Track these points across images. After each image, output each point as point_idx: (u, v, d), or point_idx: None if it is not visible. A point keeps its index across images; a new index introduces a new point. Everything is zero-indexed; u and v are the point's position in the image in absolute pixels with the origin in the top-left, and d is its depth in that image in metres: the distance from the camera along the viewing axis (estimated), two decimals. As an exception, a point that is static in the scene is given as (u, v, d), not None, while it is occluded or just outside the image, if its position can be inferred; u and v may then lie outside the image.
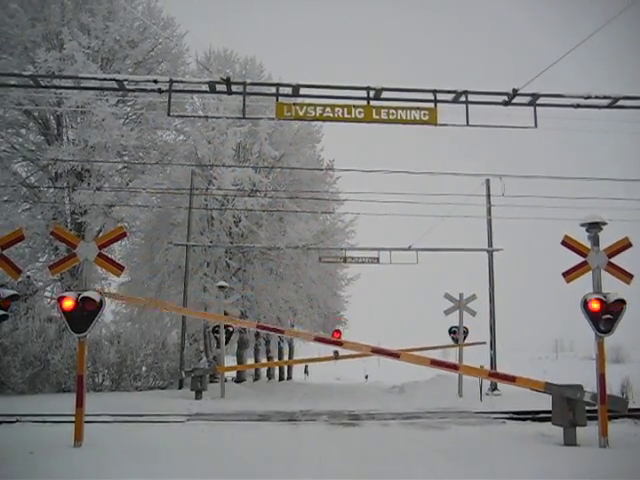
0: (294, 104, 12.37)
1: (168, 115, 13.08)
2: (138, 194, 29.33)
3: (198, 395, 22.69)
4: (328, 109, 12.02)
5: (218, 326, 25.56)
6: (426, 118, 12.18)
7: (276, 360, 49.20)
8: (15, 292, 12.98)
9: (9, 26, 28.18)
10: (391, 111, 12.12)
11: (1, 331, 23.43)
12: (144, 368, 26.83)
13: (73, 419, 11.52)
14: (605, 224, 12.39)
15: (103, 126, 27.90)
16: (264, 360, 47.16)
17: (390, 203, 22.97)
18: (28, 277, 29.74)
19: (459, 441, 12.70)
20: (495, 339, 27.47)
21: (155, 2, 32.18)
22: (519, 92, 12.21)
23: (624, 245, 12.48)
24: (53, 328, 25.37)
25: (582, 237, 12.55)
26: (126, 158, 31.75)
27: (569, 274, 12.45)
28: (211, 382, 26.61)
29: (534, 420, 16.10)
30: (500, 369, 27.00)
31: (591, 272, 12.34)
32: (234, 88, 12.43)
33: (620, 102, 12.45)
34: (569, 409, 12.06)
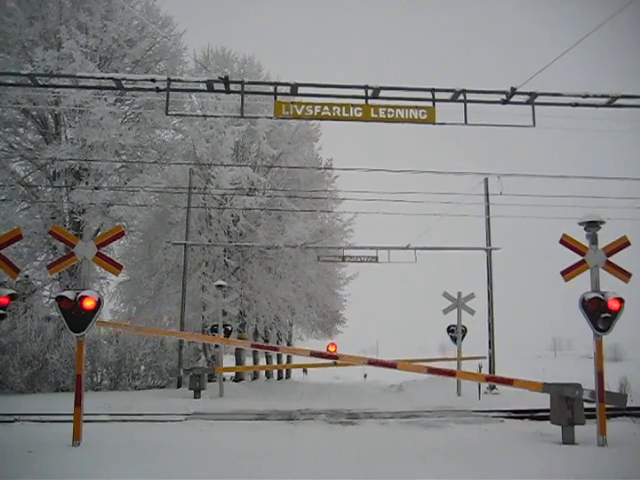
0: (292, 103, 12.38)
1: (166, 114, 13.07)
2: (136, 193, 29.31)
3: (197, 394, 22.68)
4: (326, 108, 12.03)
5: (217, 325, 25.56)
6: (424, 117, 12.19)
7: (275, 359, 49.24)
8: (13, 291, 12.97)
9: (7, 25, 28.14)
10: (389, 110, 12.13)
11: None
12: (143, 367, 26.78)
13: (71, 418, 11.51)
14: (603, 223, 12.41)
15: (101, 125, 27.86)
16: (263, 359, 47.21)
17: (388, 202, 22.97)
18: (26, 276, 29.69)
19: (457, 440, 12.71)
20: (493, 337, 27.49)
21: (153, 1, 32.17)
22: (517, 91, 12.23)
23: (622, 244, 12.49)
24: (51, 327, 25.33)
25: (580, 236, 12.57)
26: (124, 157, 31.72)
27: (567, 273, 12.47)
28: (210, 381, 26.61)
29: (532, 419, 16.11)
30: (498, 367, 27.11)
31: (589, 271, 12.36)
32: (232, 87, 12.43)
33: (618, 101, 12.48)
34: (567, 408, 12.09)
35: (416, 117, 12.16)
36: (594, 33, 11.14)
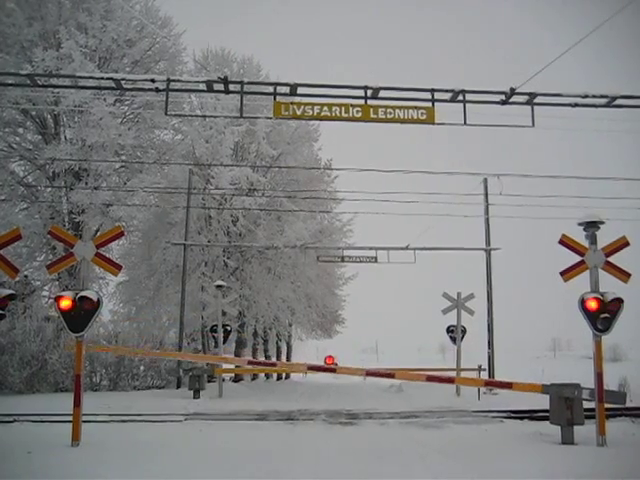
0: (292, 103, 12.38)
1: (165, 114, 13.08)
2: (136, 193, 29.28)
3: (196, 394, 22.67)
4: (326, 108, 12.03)
5: (216, 325, 25.56)
6: (424, 117, 12.19)
7: (273, 359, 49.24)
8: (12, 291, 12.96)
9: (6, 25, 28.13)
10: (389, 110, 12.13)
11: (-1, 331, 23.42)
12: (142, 368, 26.78)
13: (71, 419, 11.50)
14: (603, 223, 12.41)
15: (100, 125, 27.85)
16: (262, 359, 47.14)
17: (388, 202, 22.99)
18: (26, 276, 29.69)
19: (457, 440, 12.72)
20: (493, 338, 27.52)
21: (152, 1, 32.10)
22: (517, 91, 12.23)
23: (622, 244, 12.50)
24: (51, 327, 25.33)
25: (580, 236, 12.58)
26: (124, 157, 31.70)
27: (567, 273, 12.47)
28: (209, 381, 26.61)
29: (532, 419, 16.11)
30: (498, 368, 27.15)
31: (589, 271, 12.36)
32: (232, 87, 12.43)
33: (618, 101, 12.48)
34: (567, 408, 12.08)
35: (415, 117, 12.16)
36: (594, 33, 11.15)
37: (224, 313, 26.35)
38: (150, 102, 27.85)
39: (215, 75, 12.57)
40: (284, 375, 51.02)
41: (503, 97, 12.35)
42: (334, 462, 10.14)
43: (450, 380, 16.62)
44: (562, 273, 12.50)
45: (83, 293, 11.63)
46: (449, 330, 27.04)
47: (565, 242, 12.49)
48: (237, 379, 33.79)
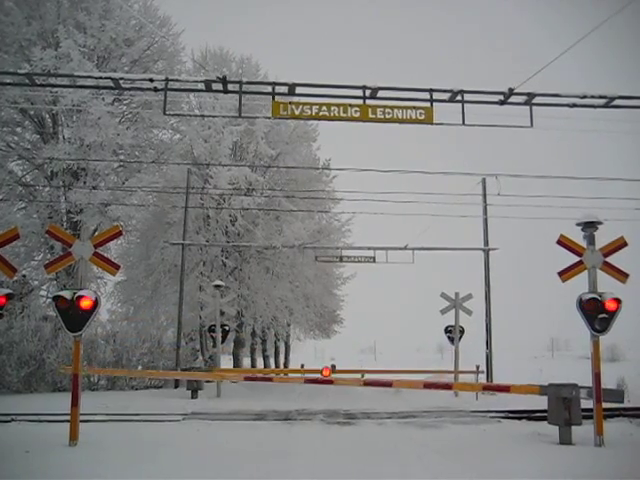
0: (290, 103, 12.38)
1: (164, 114, 13.07)
2: (134, 193, 29.27)
3: (194, 394, 22.67)
4: (324, 108, 12.02)
5: (214, 325, 25.56)
6: (422, 117, 12.19)
7: (273, 361, 49.31)
8: (10, 291, 12.94)
9: (4, 24, 28.09)
10: (387, 110, 12.13)
11: (-4, 330, 23.41)
12: (140, 367, 26.77)
13: (68, 418, 11.50)
14: (600, 223, 12.43)
15: (99, 125, 27.83)
16: (260, 359, 47.19)
17: (386, 202, 22.98)
18: (24, 276, 29.66)
19: (455, 440, 12.72)
20: (491, 338, 27.51)
21: (151, 1, 32.10)
22: (515, 91, 12.23)
23: (619, 244, 12.50)
24: (49, 327, 25.33)
25: (578, 237, 12.58)
26: (122, 157, 31.69)
27: (565, 273, 12.48)
28: (207, 381, 26.57)
29: (530, 419, 16.11)
30: (496, 368, 27.14)
31: (587, 271, 12.37)
32: (230, 87, 12.42)
33: (616, 102, 12.48)
34: (565, 408, 12.09)
35: (414, 117, 12.16)
36: (593, 33, 11.16)
37: (222, 313, 26.33)
38: (148, 102, 27.82)
39: (214, 75, 12.57)
40: (282, 375, 51.02)
41: (502, 97, 12.35)
42: (332, 462, 10.14)
43: (448, 387, 16.64)
44: (560, 273, 12.51)
45: (81, 293, 11.63)
46: (447, 330, 27.05)
47: (563, 242, 12.49)
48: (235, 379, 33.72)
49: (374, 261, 28.40)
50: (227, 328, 26.87)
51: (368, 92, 12.05)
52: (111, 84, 12.72)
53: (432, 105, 12.23)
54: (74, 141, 28.63)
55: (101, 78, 13.10)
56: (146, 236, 33.01)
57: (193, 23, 46.61)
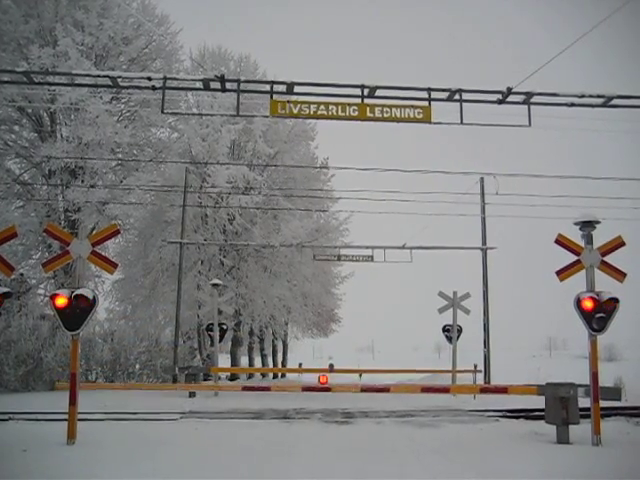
0: (288, 102, 12.36)
1: (162, 112, 13.07)
2: (132, 191, 29.26)
3: (192, 393, 22.66)
4: (322, 107, 12.01)
5: (212, 324, 25.54)
6: (420, 116, 12.18)
7: (270, 360, 49.26)
8: (8, 289, 12.90)
9: (2, 22, 28.04)
10: (385, 109, 12.12)
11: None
12: (137, 366, 26.76)
13: (66, 417, 11.48)
14: (598, 223, 12.42)
15: (97, 123, 27.80)
16: (258, 358, 47.18)
17: (384, 201, 23.00)
18: (21, 274, 29.64)
19: (453, 439, 12.72)
20: (489, 337, 27.51)
21: (149, -1, 32.12)
22: (513, 91, 12.22)
23: (617, 244, 12.50)
24: (46, 326, 25.30)
25: (576, 236, 12.58)
26: (120, 155, 31.66)
27: (562, 273, 12.47)
28: (205, 380, 26.59)
29: (527, 418, 16.12)
30: (494, 367, 27.13)
31: (584, 271, 12.37)
32: (228, 85, 12.41)
33: (614, 101, 12.48)
34: (562, 407, 12.10)
35: (412, 116, 12.15)
36: (591, 33, 11.18)
37: (220, 312, 26.33)
38: (146, 100, 27.80)
39: (212, 73, 12.56)
40: (280, 374, 51.09)
41: (500, 96, 12.35)
42: (330, 461, 10.13)
43: (445, 390, 16.64)
44: (558, 273, 12.50)
45: (79, 291, 11.61)
46: (445, 329, 27.04)
47: (561, 241, 12.49)
48: (233, 378, 33.78)
49: (372, 260, 28.36)
50: (225, 327, 26.85)
51: (366, 91, 12.04)
52: (109, 82, 12.69)
53: (430, 104, 12.22)
54: (72, 139, 28.59)
55: (99, 76, 13.06)
56: (144, 235, 33.00)
57: (191, 22, 46.67)
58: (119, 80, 12.72)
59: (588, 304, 11.94)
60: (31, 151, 29.95)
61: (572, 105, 12.47)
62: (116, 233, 13.52)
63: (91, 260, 12.45)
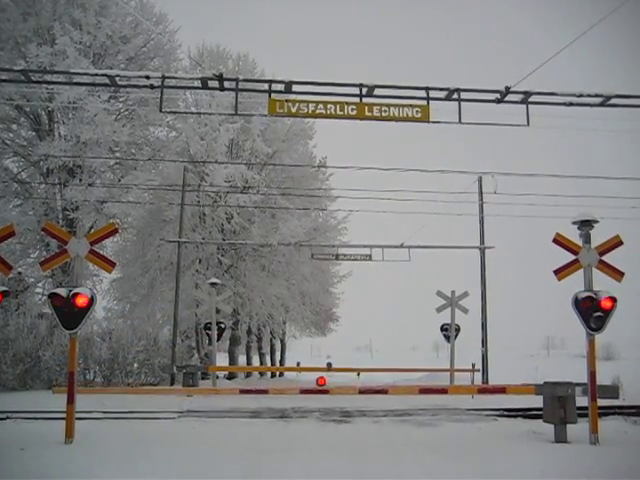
0: (286, 101, 12.33)
1: (160, 111, 13.03)
2: (130, 190, 29.27)
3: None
4: (320, 106, 11.99)
5: (210, 323, 25.53)
6: (418, 115, 12.16)
7: (269, 359, 49.24)
8: (6, 288, 12.88)
9: (0, 20, 28.01)
10: (384, 108, 12.10)
11: (-8, 327, 23.37)
12: (136, 365, 26.76)
13: (64, 416, 11.47)
14: (597, 222, 12.42)
15: (95, 122, 27.78)
16: (256, 357, 47.14)
17: (383, 200, 23.00)
18: (19, 273, 29.62)
19: (451, 438, 12.73)
20: (487, 336, 27.54)
21: (147, -2, 32.09)
22: (511, 90, 12.21)
23: (615, 243, 12.50)
24: (44, 324, 25.28)
25: (574, 235, 12.58)
26: (118, 154, 31.63)
27: (560, 272, 12.48)
28: (203, 379, 26.58)
29: (525, 417, 16.14)
30: (491, 366, 27.16)
31: (582, 270, 12.38)
32: (226, 84, 12.39)
33: (612, 100, 12.47)
34: (560, 406, 12.11)
35: (410, 115, 12.13)
36: (590, 32, 11.16)
37: (218, 310, 26.33)
38: (145, 99, 27.81)
39: (210, 72, 12.50)
40: (278, 373, 51.07)
41: (498, 96, 12.33)
42: (328, 460, 10.13)
43: (443, 391, 16.60)
44: (556, 272, 12.51)
45: (77, 290, 11.59)
46: (443, 328, 27.04)
47: (559, 241, 12.49)
48: (231, 376, 33.76)
49: (370, 259, 28.36)
50: (223, 326, 26.85)
51: (365, 90, 12.02)
52: (107, 81, 12.66)
53: (428, 103, 12.20)
54: (70, 138, 28.58)
55: (97, 75, 13.03)
56: (142, 234, 32.98)
57: (190, 20, 46.60)
58: (117, 79, 12.69)
59: (586, 303, 11.95)
60: (29, 150, 29.93)
61: (570, 104, 12.46)
62: (114, 232, 13.51)
63: (89, 259, 12.43)
